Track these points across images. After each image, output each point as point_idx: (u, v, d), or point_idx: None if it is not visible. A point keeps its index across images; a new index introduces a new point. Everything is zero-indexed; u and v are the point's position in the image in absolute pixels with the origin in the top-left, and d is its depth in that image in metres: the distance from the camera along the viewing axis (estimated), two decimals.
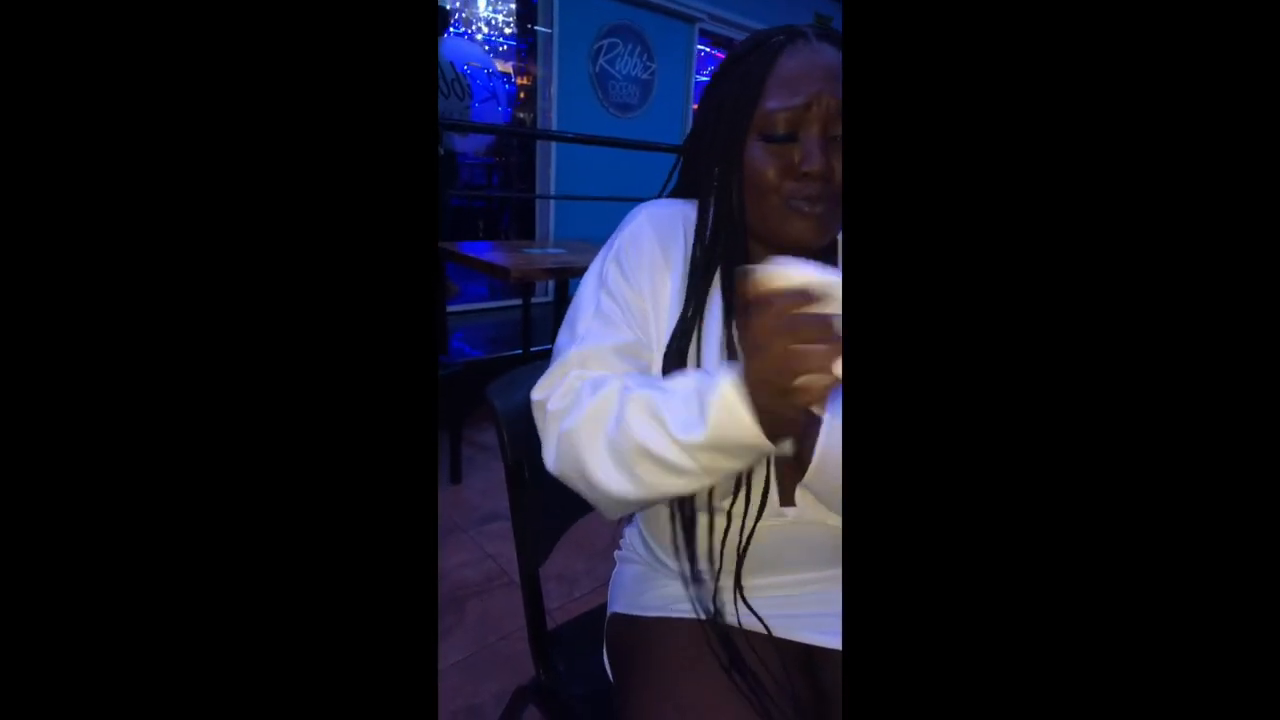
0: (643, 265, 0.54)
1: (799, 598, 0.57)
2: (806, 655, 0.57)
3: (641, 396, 0.45)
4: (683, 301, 0.54)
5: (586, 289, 0.56)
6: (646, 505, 0.51)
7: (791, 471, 0.53)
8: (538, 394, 0.52)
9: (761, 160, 0.51)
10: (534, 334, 2.53)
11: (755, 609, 0.56)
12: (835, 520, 0.53)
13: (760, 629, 0.56)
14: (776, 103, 0.50)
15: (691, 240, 0.55)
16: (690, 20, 4.18)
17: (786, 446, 0.51)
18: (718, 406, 0.40)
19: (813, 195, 0.50)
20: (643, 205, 0.58)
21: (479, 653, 1.20)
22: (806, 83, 0.49)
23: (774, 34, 0.53)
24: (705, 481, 0.44)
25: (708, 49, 4.48)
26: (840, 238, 0.57)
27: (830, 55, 0.51)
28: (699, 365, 0.52)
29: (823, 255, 0.53)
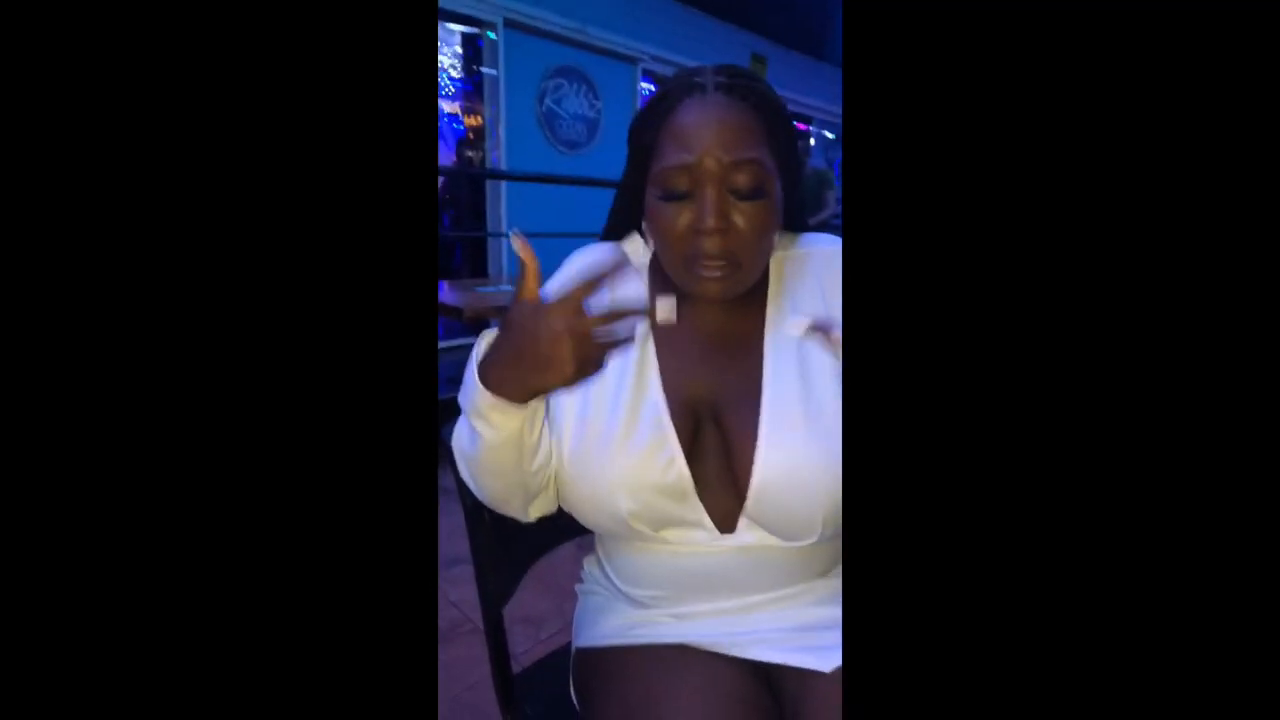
0: None
1: (749, 618, 0.58)
2: (764, 672, 0.58)
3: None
4: None
5: None
6: (489, 474, 0.54)
7: (728, 500, 0.54)
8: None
9: (662, 217, 0.51)
10: None
11: (705, 630, 0.56)
12: (779, 543, 0.55)
13: (720, 649, 0.56)
14: (669, 160, 0.50)
15: (613, 286, 0.57)
16: (633, 61, 4.32)
17: (714, 478, 0.54)
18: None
19: (714, 254, 0.49)
20: (574, 254, 0.61)
21: (445, 702, 1.16)
22: (698, 139, 0.49)
23: (673, 85, 0.53)
24: (492, 434, 0.49)
25: (651, 87, 4.63)
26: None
27: (724, 108, 0.50)
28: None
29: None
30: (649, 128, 0.53)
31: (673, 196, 0.50)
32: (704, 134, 0.49)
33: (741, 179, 0.49)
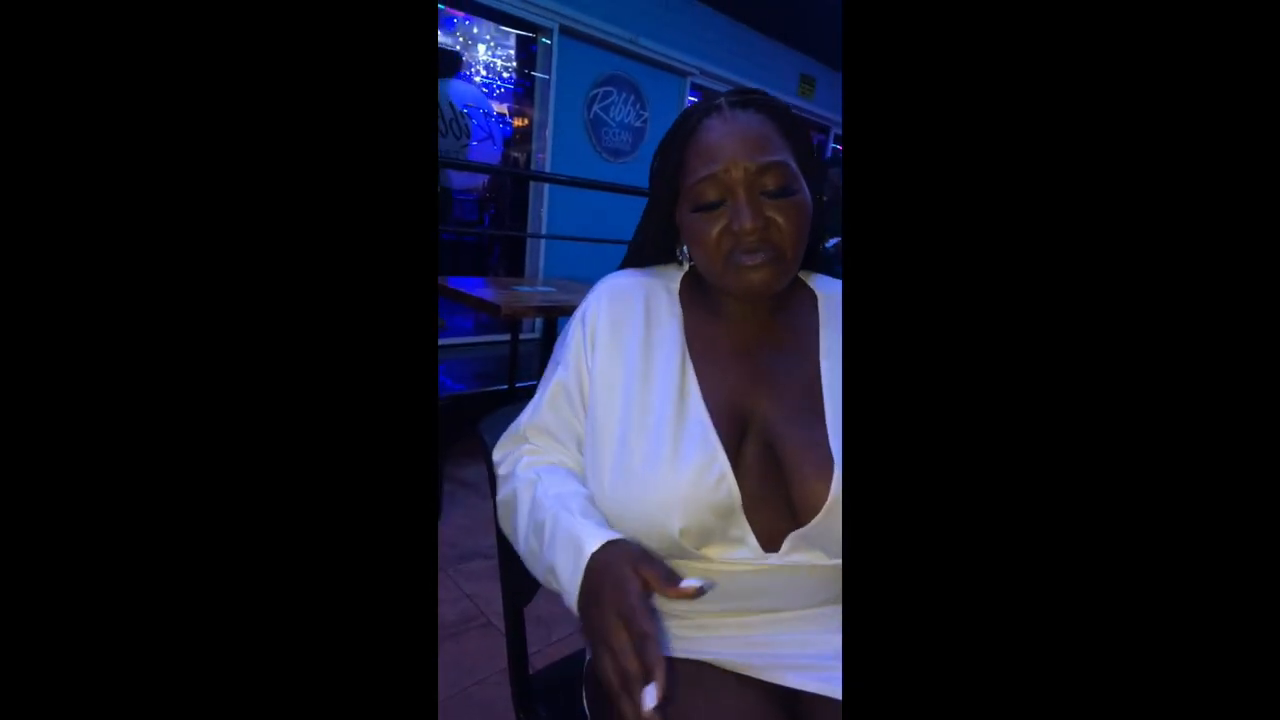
0: (599, 342, 0.59)
1: (777, 636, 0.57)
2: (790, 699, 0.57)
3: (539, 524, 0.53)
4: (645, 366, 0.58)
5: (552, 362, 0.62)
6: None
7: (776, 518, 0.54)
8: (497, 453, 0.63)
9: (698, 228, 0.54)
10: (520, 370, 2.53)
11: (729, 647, 0.56)
12: (826, 561, 0.54)
13: (746, 670, 0.55)
14: (696, 175, 0.53)
15: (648, 310, 0.60)
16: (682, 74, 4.35)
17: (761, 495, 0.53)
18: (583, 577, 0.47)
19: (751, 248, 0.52)
20: (604, 279, 0.64)
21: (454, 697, 1.16)
22: (721, 150, 0.52)
23: (690, 112, 0.57)
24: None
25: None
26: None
27: (744, 121, 0.54)
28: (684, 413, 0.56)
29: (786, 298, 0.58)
30: (673, 152, 0.57)
31: (705, 207, 0.53)
32: (727, 144, 0.53)
33: (770, 180, 0.53)
